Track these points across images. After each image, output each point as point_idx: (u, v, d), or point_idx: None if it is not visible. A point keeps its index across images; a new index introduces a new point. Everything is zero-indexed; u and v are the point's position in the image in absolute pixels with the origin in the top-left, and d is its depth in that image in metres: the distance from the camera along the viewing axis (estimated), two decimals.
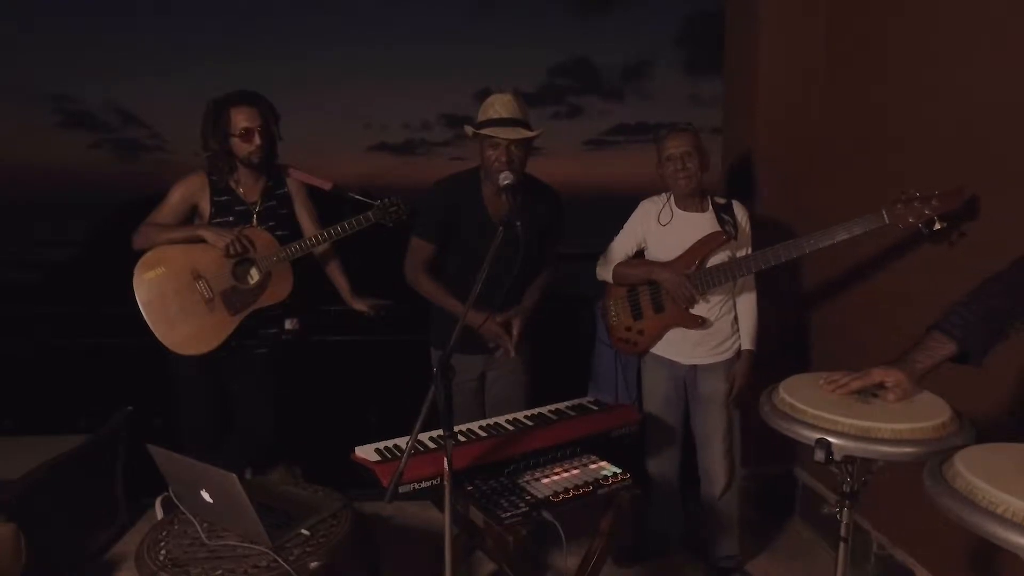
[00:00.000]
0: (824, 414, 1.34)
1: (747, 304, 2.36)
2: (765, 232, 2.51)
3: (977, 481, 1.04)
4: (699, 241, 2.26)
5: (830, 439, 1.29)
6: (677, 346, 2.36)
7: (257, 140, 2.32)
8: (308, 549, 1.67)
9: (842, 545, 1.45)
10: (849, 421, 1.31)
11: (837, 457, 1.30)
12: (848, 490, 1.41)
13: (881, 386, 1.42)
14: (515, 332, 2.21)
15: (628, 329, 2.42)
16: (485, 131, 2.10)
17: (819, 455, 1.29)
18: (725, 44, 3.04)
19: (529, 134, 2.11)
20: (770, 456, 2.88)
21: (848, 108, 2.59)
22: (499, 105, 2.11)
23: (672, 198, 2.35)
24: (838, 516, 1.44)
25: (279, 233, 2.41)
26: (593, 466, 1.92)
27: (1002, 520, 0.98)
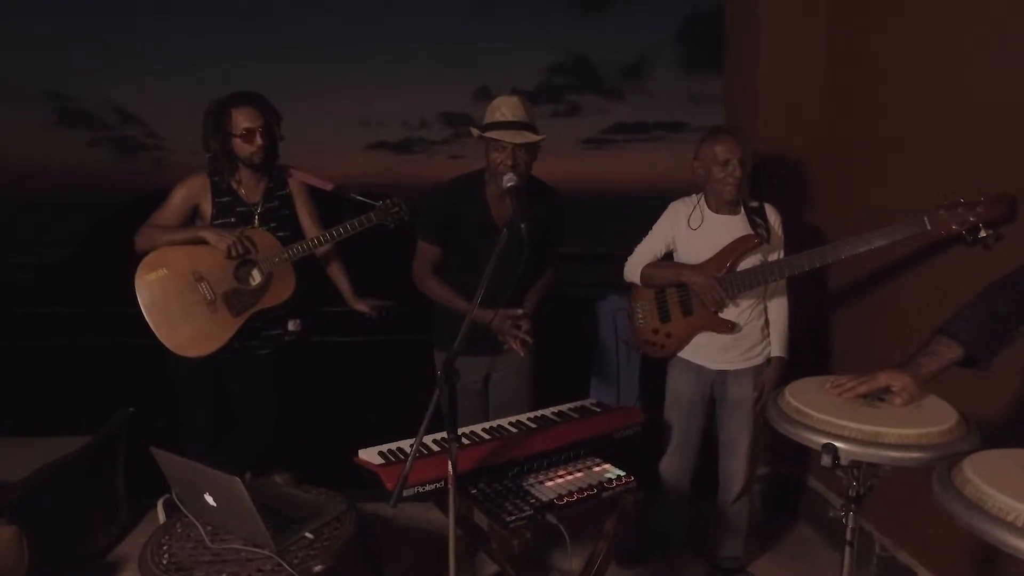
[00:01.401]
0: (831, 418, 1.33)
1: (779, 310, 2.31)
2: None
3: (987, 488, 1.04)
4: (730, 244, 2.20)
5: (837, 444, 1.29)
6: (705, 351, 2.31)
7: (259, 140, 2.32)
8: (312, 552, 1.67)
9: (847, 549, 1.45)
10: (856, 426, 1.30)
11: (844, 462, 1.30)
12: (854, 494, 1.41)
13: (887, 390, 1.42)
14: (524, 329, 2.19)
15: (655, 332, 2.37)
16: (491, 134, 2.10)
17: (826, 460, 1.28)
18: (726, 44, 3.04)
19: (535, 138, 2.10)
20: (774, 457, 2.88)
21: (849, 107, 2.58)
22: (505, 108, 2.11)
23: (703, 200, 2.29)
24: (844, 520, 1.44)
25: (281, 234, 2.40)
26: (597, 469, 1.91)
27: (1012, 528, 0.97)
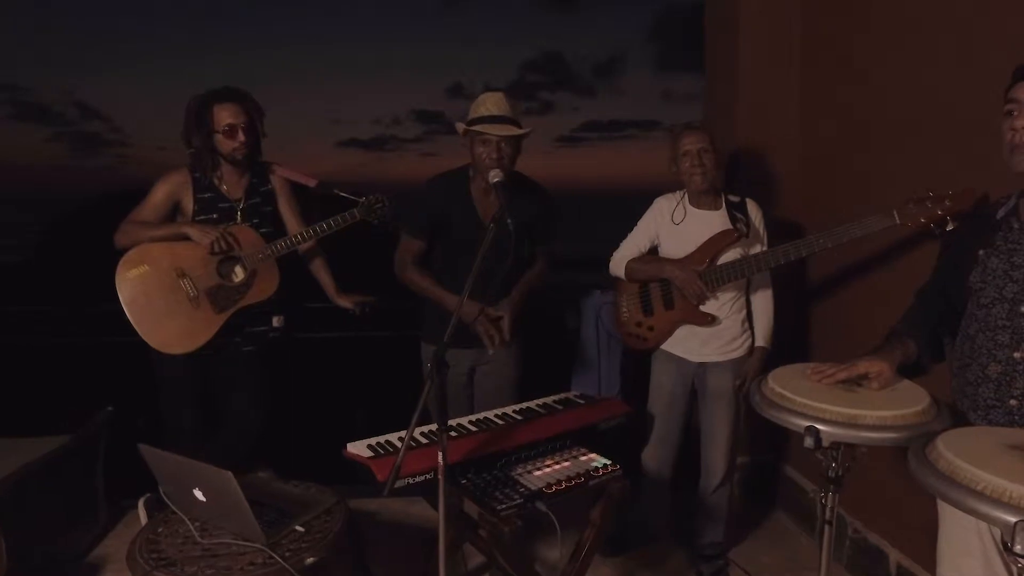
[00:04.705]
0: (813, 402, 1.38)
1: (763, 302, 2.37)
2: None
3: (958, 462, 1.10)
4: (711, 238, 2.26)
5: (818, 426, 1.34)
6: (686, 343, 2.37)
7: (241, 137, 2.31)
8: (303, 545, 1.67)
9: (827, 528, 1.50)
10: (836, 409, 1.36)
11: (825, 443, 1.35)
12: (833, 475, 1.46)
13: (865, 376, 1.48)
14: (505, 325, 2.22)
15: (639, 325, 2.43)
16: (477, 128, 2.13)
17: (808, 442, 1.33)
18: (705, 43, 3.10)
19: (519, 131, 2.14)
20: (753, 447, 2.95)
21: (827, 105, 2.65)
22: (490, 103, 2.14)
23: (686, 196, 2.36)
24: (823, 500, 1.49)
25: (263, 230, 2.39)
26: (583, 458, 1.95)
27: (981, 496, 1.04)
